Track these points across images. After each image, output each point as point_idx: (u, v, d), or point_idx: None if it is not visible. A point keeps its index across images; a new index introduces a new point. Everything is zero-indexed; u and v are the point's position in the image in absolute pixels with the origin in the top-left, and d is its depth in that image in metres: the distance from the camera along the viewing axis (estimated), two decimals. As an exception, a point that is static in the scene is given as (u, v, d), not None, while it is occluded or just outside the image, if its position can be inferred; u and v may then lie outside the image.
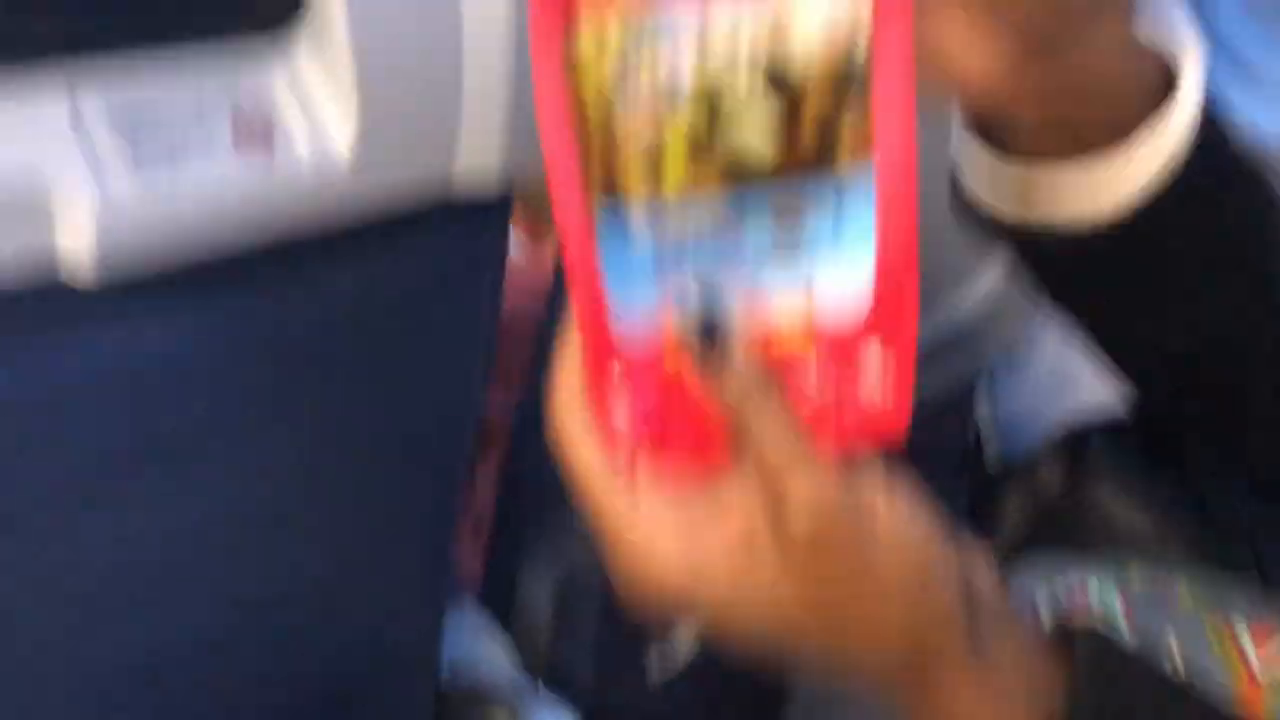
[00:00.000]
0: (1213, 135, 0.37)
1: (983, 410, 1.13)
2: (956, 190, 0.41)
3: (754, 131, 0.33)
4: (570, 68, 0.33)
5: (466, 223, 0.55)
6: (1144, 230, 0.37)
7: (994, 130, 0.38)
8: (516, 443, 0.80)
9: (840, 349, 0.33)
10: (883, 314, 0.33)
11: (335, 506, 0.59)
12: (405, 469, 0.62)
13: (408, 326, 0.57)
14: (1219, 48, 1.06)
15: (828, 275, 0.33)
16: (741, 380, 0.33)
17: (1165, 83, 0.37)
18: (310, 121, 0.48)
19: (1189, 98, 0.36)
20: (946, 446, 1.04)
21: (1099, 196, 0.36)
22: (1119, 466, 0.70)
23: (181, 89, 0.46)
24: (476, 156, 0.52)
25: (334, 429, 0.57)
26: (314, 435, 0.56)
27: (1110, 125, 0.36)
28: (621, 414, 0.34)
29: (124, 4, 0.44)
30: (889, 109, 0.32)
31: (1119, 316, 0.41)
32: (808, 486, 0.32)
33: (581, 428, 0.34)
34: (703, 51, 0.32)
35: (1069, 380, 1.10)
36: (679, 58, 0.33)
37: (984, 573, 0.37)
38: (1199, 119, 0.36)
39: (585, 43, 0.33)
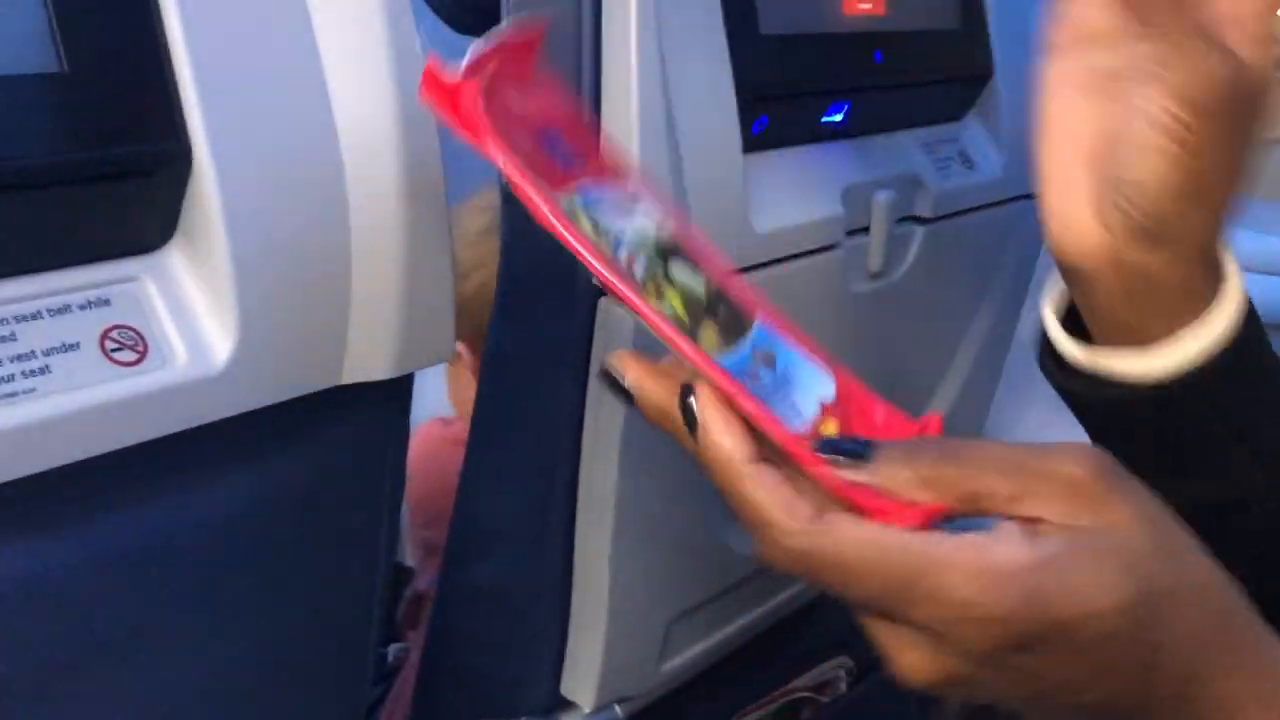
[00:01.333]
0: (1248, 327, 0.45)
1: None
2: (1041, 359, 0.50)
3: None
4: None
5: (361, 406, 0.53)
6: (1176, 401, 0.44)
7: (1075, 310, 0.47)
8: (437, 625, 0.76)
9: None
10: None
11: (235, 714, 0.55)
12: (311, 664, 0.58)
13: (306, 515, 0.54)
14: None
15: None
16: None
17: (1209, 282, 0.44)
18: (186, 331, 0.46)
19: (1232, 306, 0.44)
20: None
21: (1142, 376, 0.44)
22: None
23: (48, 303, 0.45)
24: (368, 349, 0.51)
25: (235, 629, 0.54)
26: (213, 639, 0.53)
27: (1165, 323, 0.44)
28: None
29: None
30: None
31: (1156, 468, 0.45)
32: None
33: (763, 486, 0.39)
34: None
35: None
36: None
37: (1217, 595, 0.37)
38: (1238, 323, 0.44)
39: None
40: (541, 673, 0.71)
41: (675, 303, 0.42)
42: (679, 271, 0.44)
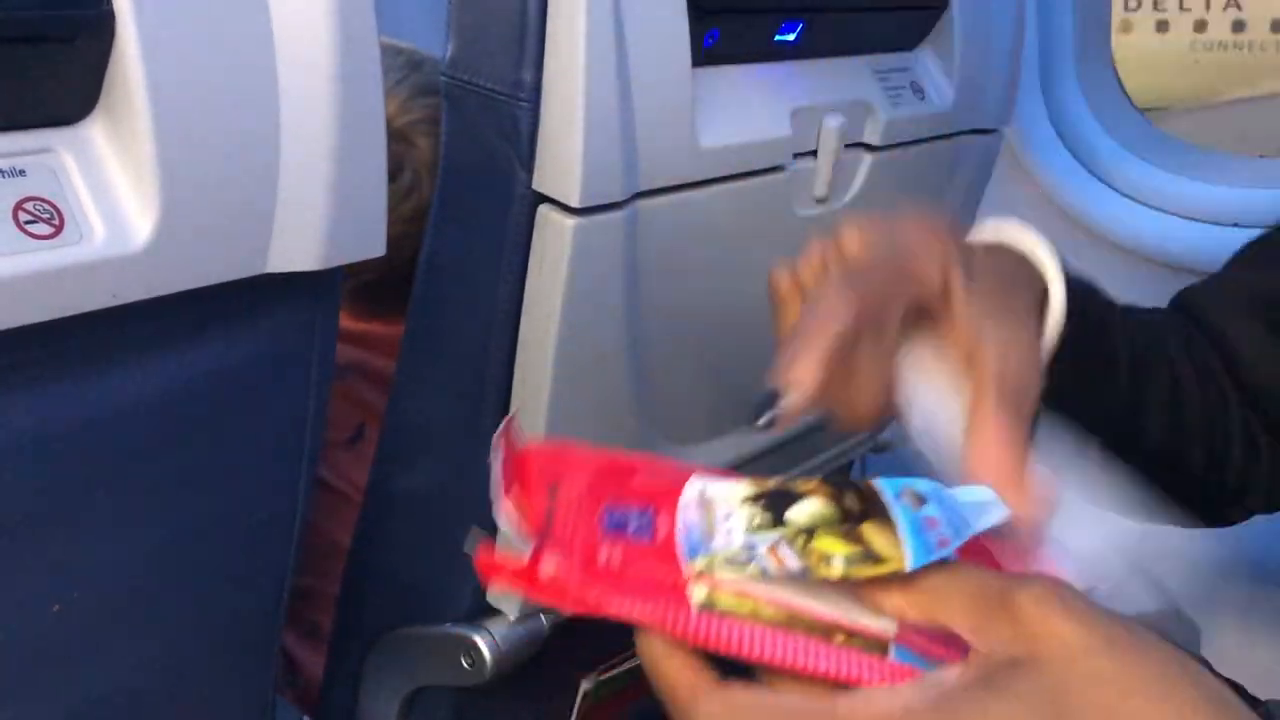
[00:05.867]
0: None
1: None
2: None
3: None
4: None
5: (287, 298, 0.52)
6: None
7: None
8: (359, 548, 0.76)
9: None
10: None
11: (153, 602, 0.55)
12: (229, 557, 0.58)
13: (224, 405, 0.53)
14: (1079, 160, 1.11)
15: None
16: None
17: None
18: (105, 208, 0.45)
19: (1056, 290, 0.54)
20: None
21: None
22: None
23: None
24: (296, 238, 0.49)
25: (151, 516, 0.53)
26: (130, 525, 0.52)
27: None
28: None
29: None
30: None
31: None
32: None
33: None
34: None
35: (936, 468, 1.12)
36: None
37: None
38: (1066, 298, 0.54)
39: None
40: (467, 579, 0.71)
41: (850, 549, 0.37)
42: (799, 511, 0.38)
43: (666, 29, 0.64)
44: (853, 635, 0.37)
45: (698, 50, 0.66)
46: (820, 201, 0.78)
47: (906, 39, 0.85)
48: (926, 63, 0.86)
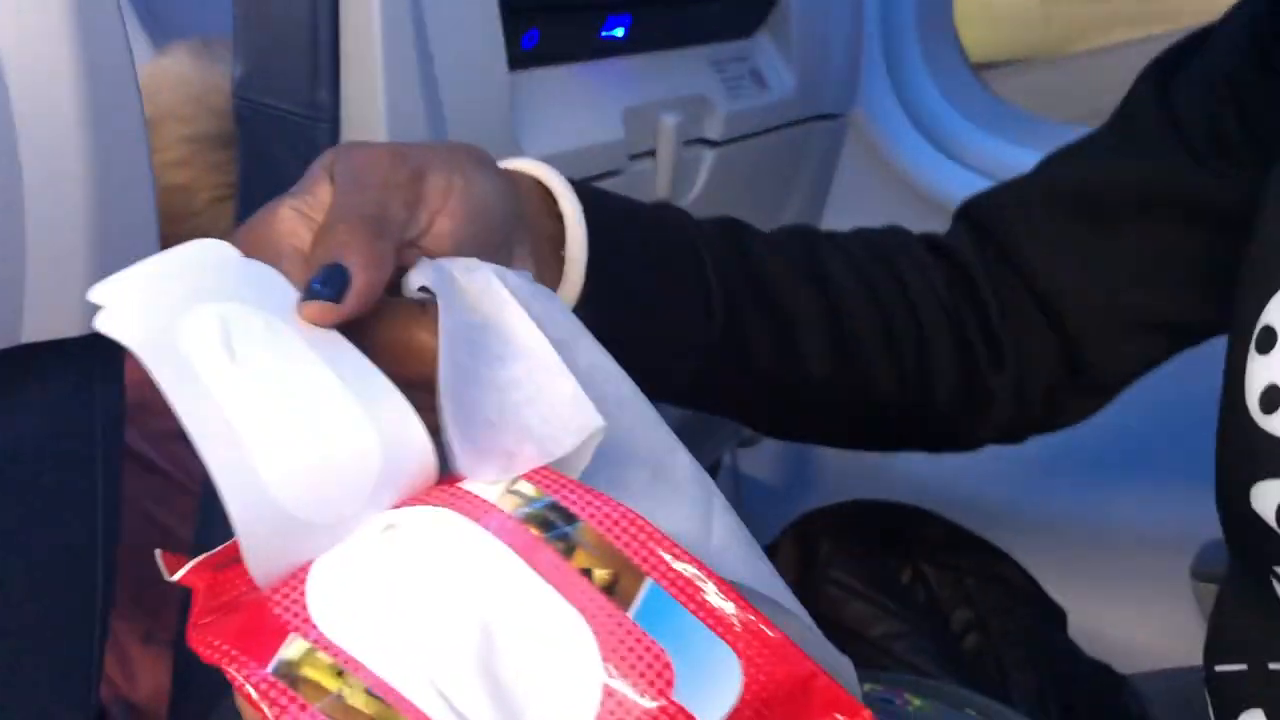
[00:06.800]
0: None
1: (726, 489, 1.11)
2: None
3: None
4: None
5: (55, 368, 0.47)
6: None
7: None
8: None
9: None
10: None
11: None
12: (22, 658, 0.52)
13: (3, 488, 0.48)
14: (928, 138, 1.10)
15: None
16: None
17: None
18: None
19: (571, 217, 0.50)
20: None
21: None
22: (848, 562, 0.71)
23: None
24: (52, 302, 0.44)
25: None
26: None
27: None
28: None
29: None
30: None
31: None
32: None
33: None
34: None
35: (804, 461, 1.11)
36: None
37: None
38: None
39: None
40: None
41: None
42: None
43: (476, 32, 0.60)
44: None
45: (515, 52, 0.62)
46: (662, 202, 0.75)
47: (742, 26, 0.82)
48: (765, 49, 0.83)
